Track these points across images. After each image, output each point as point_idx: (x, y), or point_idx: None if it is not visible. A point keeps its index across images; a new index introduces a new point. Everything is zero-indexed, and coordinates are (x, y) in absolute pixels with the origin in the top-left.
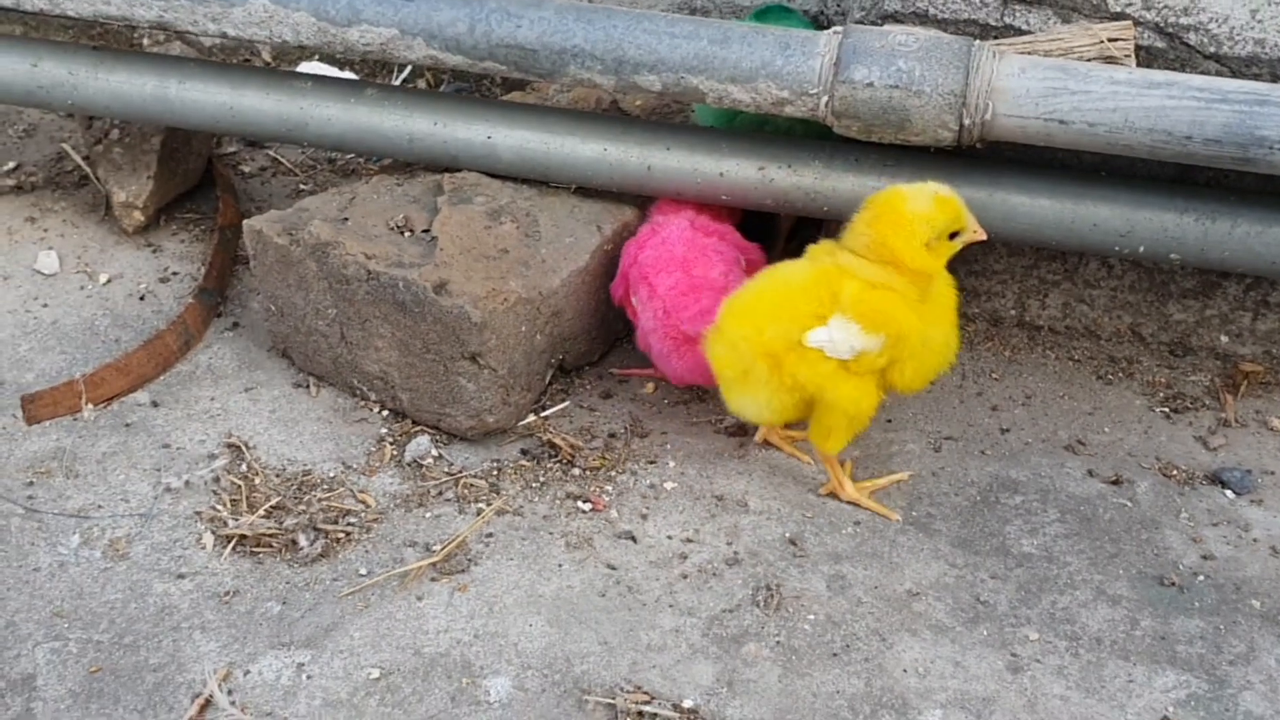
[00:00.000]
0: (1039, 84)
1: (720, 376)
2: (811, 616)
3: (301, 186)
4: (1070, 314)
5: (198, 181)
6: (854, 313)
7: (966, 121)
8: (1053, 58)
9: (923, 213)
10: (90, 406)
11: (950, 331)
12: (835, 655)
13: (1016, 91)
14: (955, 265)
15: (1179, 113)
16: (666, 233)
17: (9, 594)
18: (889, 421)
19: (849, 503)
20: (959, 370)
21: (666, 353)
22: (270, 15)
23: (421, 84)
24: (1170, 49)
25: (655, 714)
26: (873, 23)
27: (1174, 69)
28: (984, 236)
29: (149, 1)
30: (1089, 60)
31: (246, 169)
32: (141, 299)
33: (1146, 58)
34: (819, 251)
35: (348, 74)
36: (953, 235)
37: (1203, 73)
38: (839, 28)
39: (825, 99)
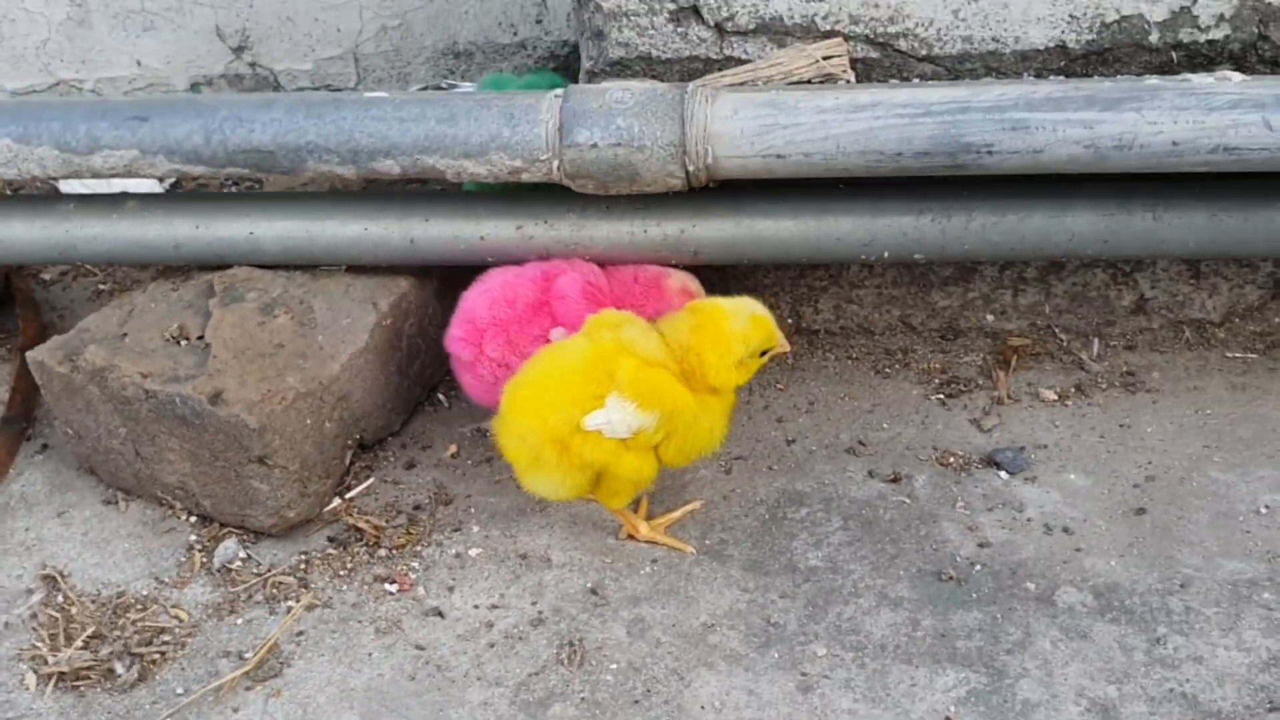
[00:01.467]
0: (752, 123)
1: (513, 463)
2: (614, 666)
3: (101, 286)
4: (842, 315)
5: (4, 300)
6: (630, 391)
7: (691, 168)
8: (771, 86)
9: (740, 331)
10: None
11: (720, 421)
12: (637, 702)
13: (732, 133)
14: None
15: (887, 132)
16: (530, 268)
17: None
18: None
19: (646, 542)
20: (746, 386)
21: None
22: (15, 154)
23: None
24: (885, 57)
25: None
26: (602, 70)
27: (892, 75)
28: (789, 349)
29: None
30: (810, 80)
31: (47, 276)
32: None
33: (864, 68)
34: (599, 325)
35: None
36: (763, 353)
37: (920, 75)
38: (559, 90)
39: (556, 163)
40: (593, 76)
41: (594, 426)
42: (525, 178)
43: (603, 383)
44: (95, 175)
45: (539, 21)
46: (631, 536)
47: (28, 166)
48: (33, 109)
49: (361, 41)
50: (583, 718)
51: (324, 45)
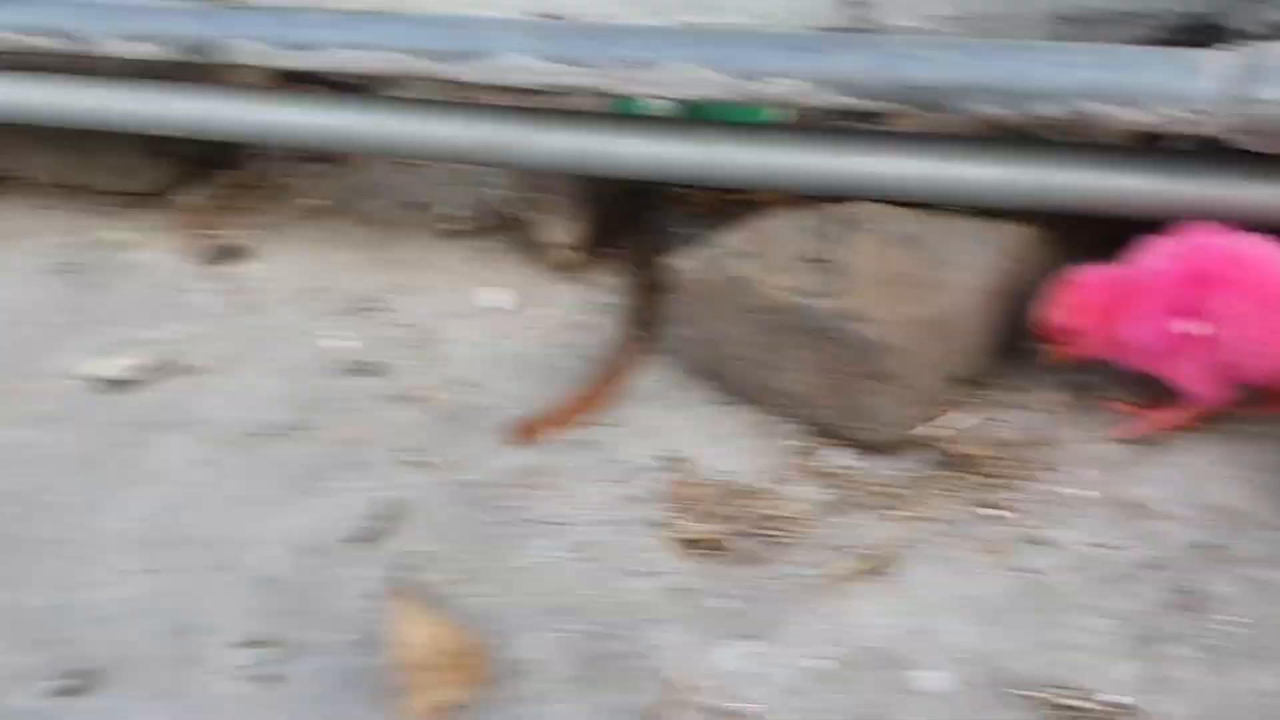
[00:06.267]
0: None
1: None
2: (1228, 619)
3: (710, 219)
4: None
5: (621, 219)
6: None
7: None
8: None
9: None
10: (555, 429)
11: None
12: (1254, 656)
13: None
14: None
15: None
16: (1217, 241)
17: (502, 589)
18: None
19: None
20: None
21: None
22: (692, 76)
23: None
24: None
25: (1079, 707)
26: (1256, 35)
27: None
28: None
29: (579, 72)
30: None
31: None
32: (584, 330)
33: None
34: None
35: None
36: None
37: None
38: (1230, 47)
39: (1224, 117)
40: (1245, 39)
41: None
42: (1183, 130)
43: None
44: (759, 102)
45: None
46: None
47: (697, 89)
48: (707, 36)
49: (974, 3)
50: (1196, 660)
51: (938, 3)
